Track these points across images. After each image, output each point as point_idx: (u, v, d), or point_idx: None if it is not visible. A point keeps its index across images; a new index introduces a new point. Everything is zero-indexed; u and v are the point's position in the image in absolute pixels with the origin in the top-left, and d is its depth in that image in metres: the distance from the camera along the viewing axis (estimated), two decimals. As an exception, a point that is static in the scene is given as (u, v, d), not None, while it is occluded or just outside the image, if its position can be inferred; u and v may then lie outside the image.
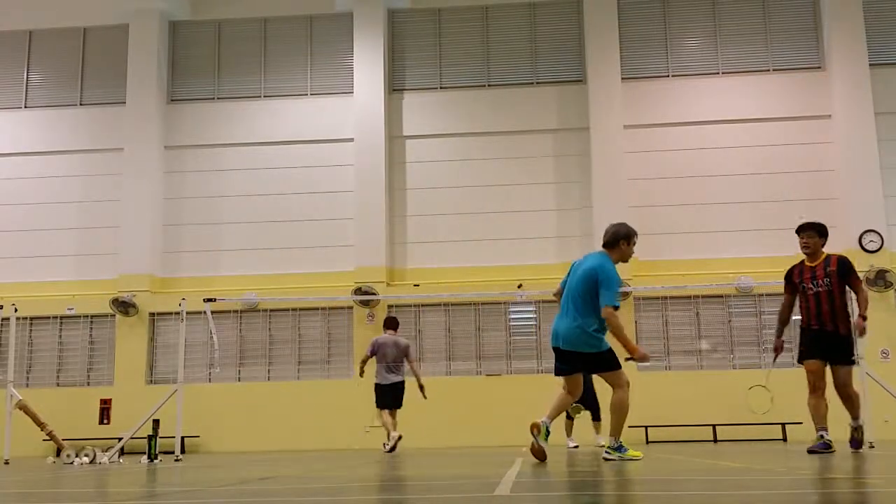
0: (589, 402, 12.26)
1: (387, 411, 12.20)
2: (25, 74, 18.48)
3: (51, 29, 18.54)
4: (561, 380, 7.46)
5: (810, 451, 7.99)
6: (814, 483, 4.11)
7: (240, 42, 18.29)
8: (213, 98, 18.10)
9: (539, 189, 17.00)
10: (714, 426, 15.17)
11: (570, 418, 12.40)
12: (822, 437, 8.15)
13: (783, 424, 14.95)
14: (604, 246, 7.35)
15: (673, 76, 17.36)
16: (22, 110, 18.35)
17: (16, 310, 11.68)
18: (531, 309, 16.55)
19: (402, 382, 12.20)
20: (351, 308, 16.64)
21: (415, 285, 16.54)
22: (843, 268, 8.20)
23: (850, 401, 8.38)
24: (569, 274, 7.46)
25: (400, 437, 11.89)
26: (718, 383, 15.69)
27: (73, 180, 17.82)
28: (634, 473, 5.16)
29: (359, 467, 7.06)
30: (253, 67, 18.13)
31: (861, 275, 15.41)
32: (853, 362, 8.22)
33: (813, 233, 8.37)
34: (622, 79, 17.12)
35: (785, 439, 14.87)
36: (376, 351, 12.29)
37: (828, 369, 8.36)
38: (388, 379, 12.15)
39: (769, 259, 16.20)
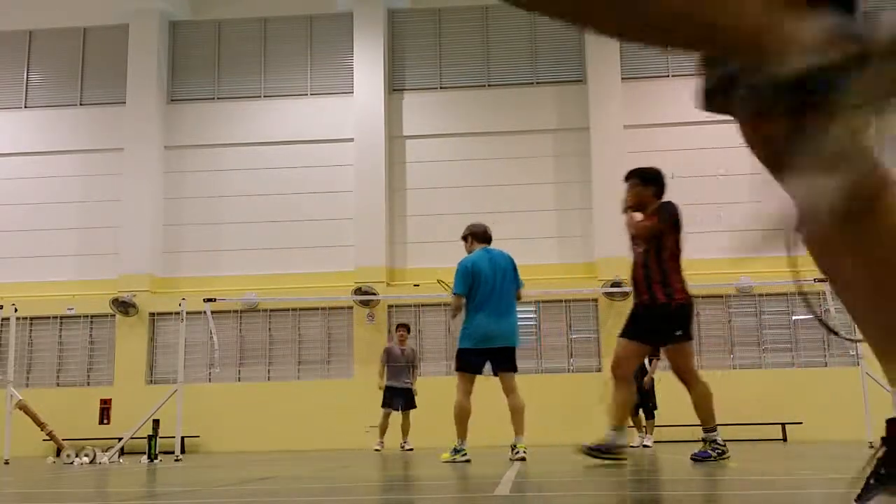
0: (643, 398, 12.28)
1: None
2: (25, 74, 18.48)
3: (51, 29, 18.54)
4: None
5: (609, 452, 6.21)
6: (814, 483, 4.11)
7: (240, 42, 18.29)
8: (213, 98, 18.11)
9: (539, 189, 17.01)
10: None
11: (636, 415, 12.35)
12: (608, 435, 6.20)
13: (783, 424, 14.96)
14: (487, 242, 7.98)
15: (673, 76, 17.37)
16: (22, 110, 18.35)
17: (16, 310, 11.67)
18: (531, 309, 16.54)
19: None
20: (351, 308, 16.64)
21: (415, 285, 16.54)
22: (662, 212, 6.41)
23: (694, 392, 6.41)
24: (471, 277, 7.63)
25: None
26: (719, 383, 15.67)
27: (73, 180, 17.82)
28: (634, 473, 5.16)
29: (359, 467, 7.06)
30: (253, 67, 18.13)
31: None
32: (687, 337, 6.52)
33: (636, 181, 6.58)
34: (622, 79, 17.13)
35: (785, 439, 14.87)
36: None
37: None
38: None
39: (769, 259, 16.19)
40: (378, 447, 12.73)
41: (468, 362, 7.55)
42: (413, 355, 13.33)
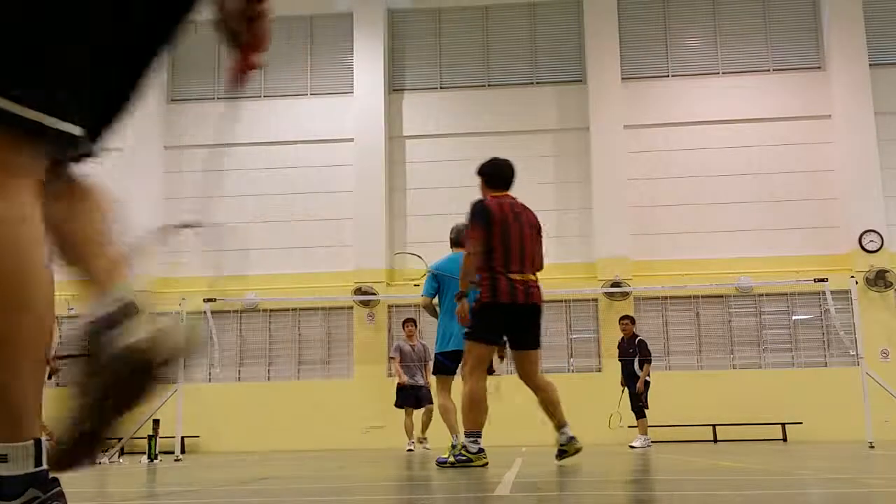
0: (634, 399, 12.32)
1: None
2: (25, 74, 18.47)
3: (51, 29, 18.52)
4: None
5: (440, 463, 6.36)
6: (814, 483, 4.11)
7: (240, 42, 18.26)
8: (213, 98, 18.10)
9: (539, 189, 16.98)
10: (714, 426, 15.17)
11: (643, 415, 12.35)
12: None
13: (783, 424, 14.96)
14: (458, 245, 7.89)
15: (673, 76, 17.36)
16: (22, 110, 18.33)
17: (16, 310, 11.66)
18: (531, 309, 16.55)
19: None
20: (351, 308, 16.64)
21: (415, 285, 16.51)
22: (470, 214, 6.53)
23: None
24: (436, 281, 7.88)
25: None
26: (718, 383, 15.70)
27: (73, 180, 17.80)
28: (635, 473, 5.16)
29: (359, 467, 7.06)
30: (253, 67, 18.10)
31: (861, 275, 15.52)
32: (469, 336, 6.34)
33: (478, 174, 6.98)
34: (622, 79, 17.12)
35: (785, 439, 14.87)
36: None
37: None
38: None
39: (769, 259, 16.20)
40: (410, 447, 12.27)
41: (440, 365, 7.79)
42: (424, 351, 12.88)
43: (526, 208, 6.61)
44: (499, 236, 6.29)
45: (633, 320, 13.09)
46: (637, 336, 12.88)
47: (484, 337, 6.29)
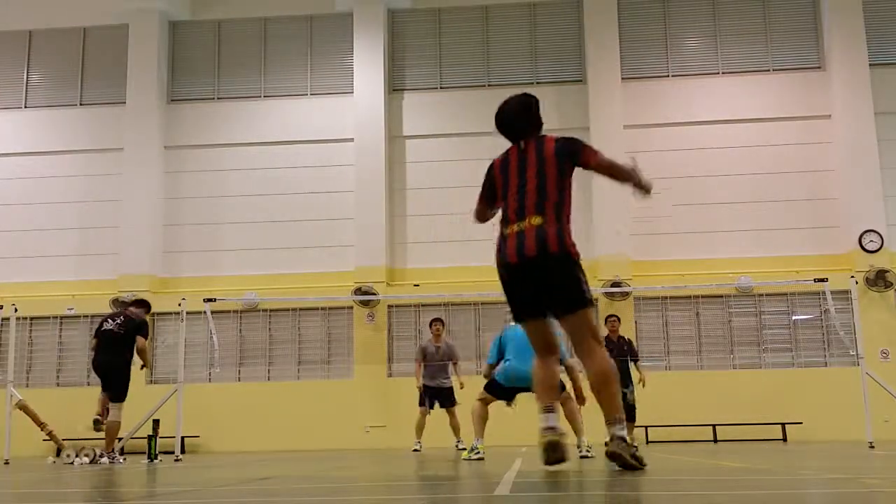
0: (626, 401, 12.27)
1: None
2: (25, 74, 18.48)
3: (51, 29, 18.53)
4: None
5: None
6: (814, 483, 4.11)
7: (240, 42, 18.29)
8: (213, 98, 18.10)
9: (539, 189, 17.00)
10: (714, 426, 15.18)
11: (632, 419, 12.31)
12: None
13: (783, 424, 14.96)
14: None
15: (673, 76, 17.36)
16: (22, 110, 18.34)
17: (16, 310, 11.68)
18: (531, 309, 16.55)
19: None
20: (351, 308, 16.64)
21: (415, 285, 16.54)
22: None
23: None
24: (500, 344, 8.57)
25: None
26: (718, 383, 15.69)
27: (73, 180, 17.81)
28: (635, 473, 5.15)
29: (359, 467, 7.06)
30: (253, 67, 18.13)
31: (861, 275, 15.54)
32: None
33: None
34: (622, 79, 17.12)
35: (785, 439, 14.87)
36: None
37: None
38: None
39: (769, 259, 16.20)
40: (416, 447, 12.14)
41: (493, 386, 8.48)
42: (450, 351, 12.59)
43: (548, 140, 5.18)
44: (500, 188, 5.35)
45: (618, 319, 12.97)
46: (623, 336, 12.82)
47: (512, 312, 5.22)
